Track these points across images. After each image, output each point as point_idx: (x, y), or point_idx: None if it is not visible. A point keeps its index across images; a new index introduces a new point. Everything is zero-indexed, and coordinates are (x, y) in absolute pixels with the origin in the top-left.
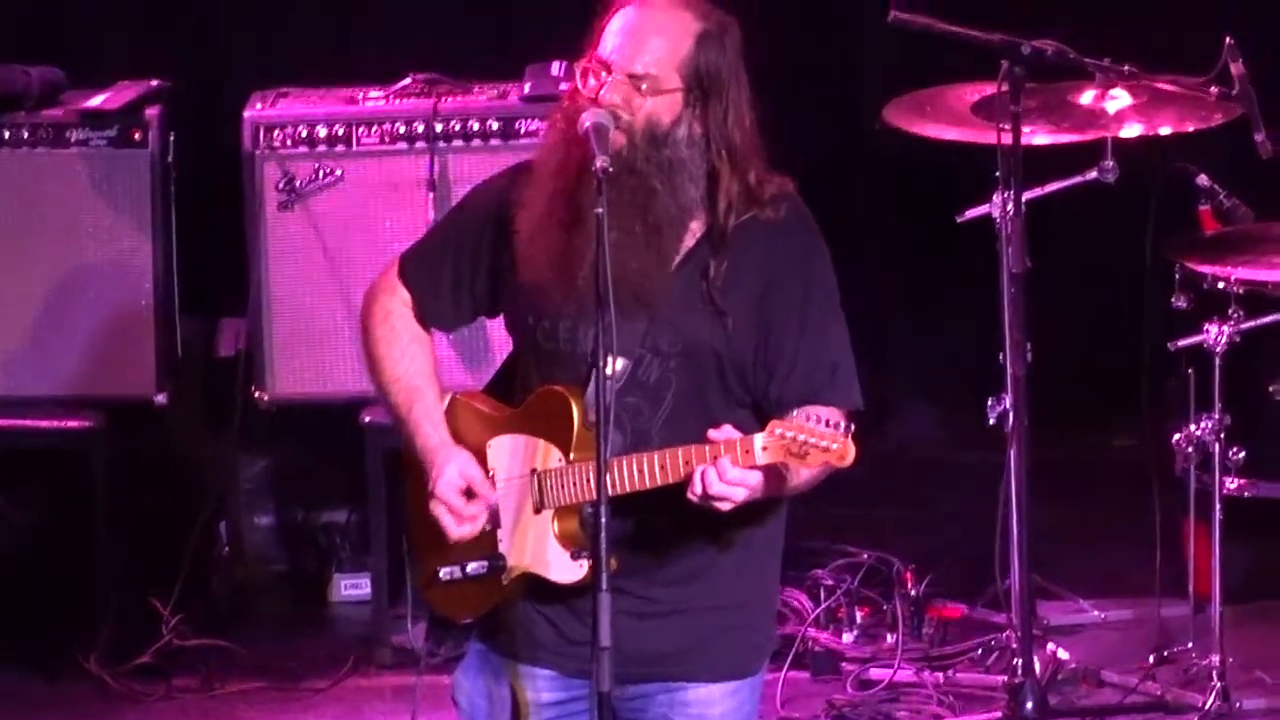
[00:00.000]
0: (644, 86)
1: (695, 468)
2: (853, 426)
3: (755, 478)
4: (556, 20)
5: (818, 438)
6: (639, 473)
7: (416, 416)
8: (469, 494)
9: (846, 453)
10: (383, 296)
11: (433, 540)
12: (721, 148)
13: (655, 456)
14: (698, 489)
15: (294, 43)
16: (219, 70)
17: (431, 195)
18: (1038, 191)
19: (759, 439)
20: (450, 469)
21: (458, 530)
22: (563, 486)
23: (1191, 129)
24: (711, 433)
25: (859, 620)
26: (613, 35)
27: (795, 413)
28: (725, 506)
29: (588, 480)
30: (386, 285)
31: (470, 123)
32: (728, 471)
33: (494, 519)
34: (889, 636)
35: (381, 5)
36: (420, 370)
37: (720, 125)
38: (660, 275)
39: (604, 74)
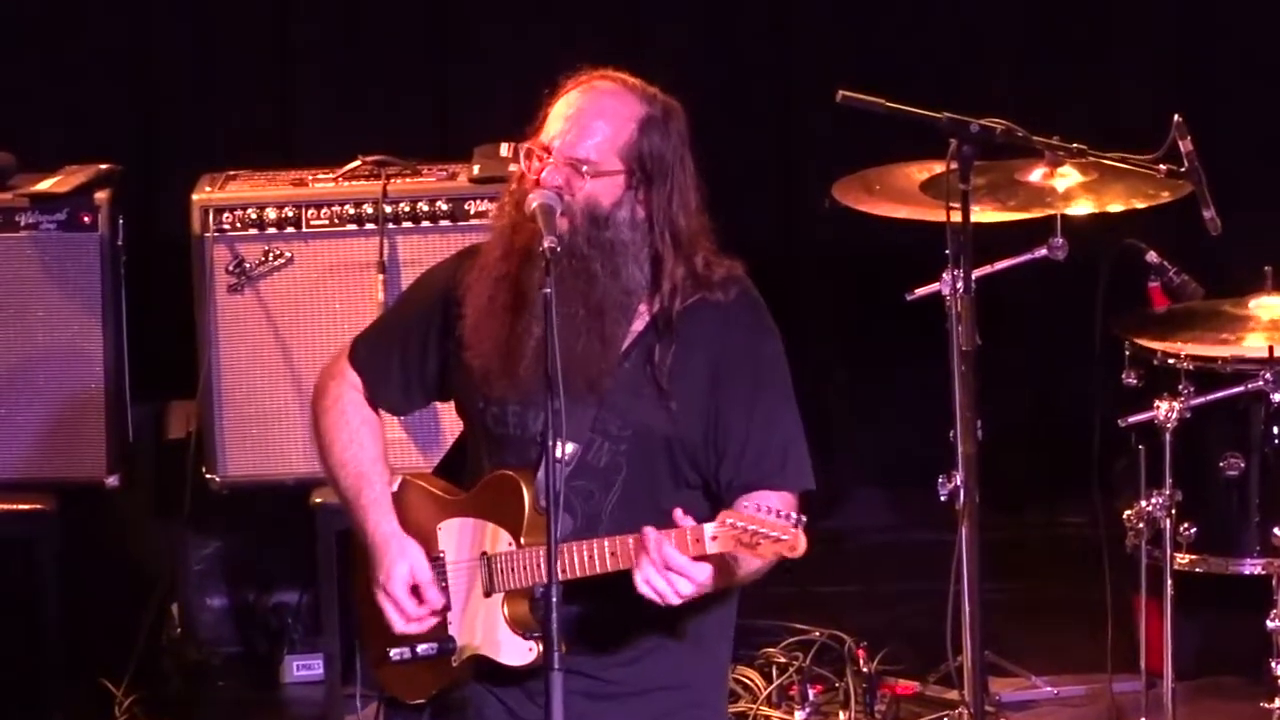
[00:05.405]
0: (585, 169)
1: None
2: (804, 518)
3: (705, 571)
4: (494, 101)
5: (768, 528)
6: (590, 558)
7: (365, 503)
8: (417, 592)
9: (797, 544)
10: (333, 381)
11: (383, 621)
12: (665, 231)
13: (607, 543)
14: (644, 579)
15: (236, 125)
16: (161, 154)
17: (381, 277)
18: (987, 269)
19: (709, 528)
20: (401, 567)
21: (403, 626)
22: (512, 570)
23: (1140, 206)
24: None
25: (811, 698)
26: (556, 120)
27: (745, 501)
28: (674, 600)
29: (538, 564)
30: (337, 370)
31: (419, 204)
32: (673, 558)
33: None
34: (841, 715)
35: (321, 88)
36: (369, 455)
37: (664, 209)
38: (606, 360)
39: (546, 156)
